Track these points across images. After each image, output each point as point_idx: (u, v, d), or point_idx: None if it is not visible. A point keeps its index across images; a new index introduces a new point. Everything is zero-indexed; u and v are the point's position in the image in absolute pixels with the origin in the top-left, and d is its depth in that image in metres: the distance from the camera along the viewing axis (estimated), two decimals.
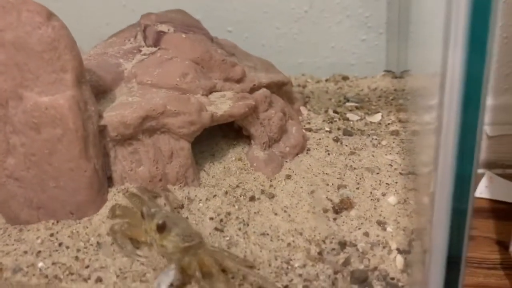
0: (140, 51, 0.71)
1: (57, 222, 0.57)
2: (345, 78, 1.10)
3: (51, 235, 0.55)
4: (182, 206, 0.59)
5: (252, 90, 0.74)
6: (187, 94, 0.65)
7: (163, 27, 0.73)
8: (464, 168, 0.40)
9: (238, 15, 1.20)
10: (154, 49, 0.71)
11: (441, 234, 0.41)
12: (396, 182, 0.66)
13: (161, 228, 0.48)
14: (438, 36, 0.40)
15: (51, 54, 0.53)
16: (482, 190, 1.01)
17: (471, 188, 0.41)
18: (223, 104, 0.66)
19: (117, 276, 0.49)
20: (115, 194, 0.59)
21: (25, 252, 0.53)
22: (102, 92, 0.63)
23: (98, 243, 0.53)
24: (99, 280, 0.49)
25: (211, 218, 0.57)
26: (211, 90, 0.68)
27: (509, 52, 1.03)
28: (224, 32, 1.22)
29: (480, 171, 1.06)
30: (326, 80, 1.10)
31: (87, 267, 0.51)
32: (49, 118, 0.53)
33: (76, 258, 0.52)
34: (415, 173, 0.67)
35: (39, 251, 0.53)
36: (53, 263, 0.51)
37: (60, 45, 0.53)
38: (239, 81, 0.73)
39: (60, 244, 0.54)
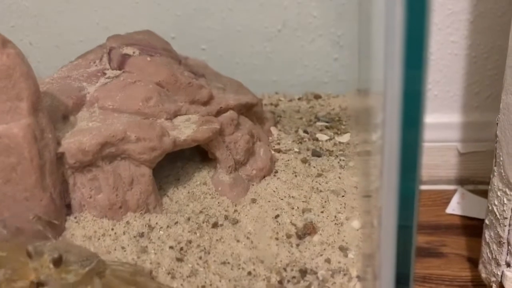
0: (105, 74, 0.71)
1: None
2: (317, 96, 1.11)
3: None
4: (142, 235, 0.58)
5: (219, 112, 0.74)
6: (150, 118, 0.64)
7: (129, 50, 0.73)
8: (407, 186, 0.41)
9: (212, 34, 1.20)
10: (118, 72, 0.70)
11: (388, 253, 0.41)
12: (361, 206, 0.66)
13: (58, 262, 0.44)
14: (380, 54, 0.41)
15: (6, 82, 0.52)
16: (454, 206, 1.02)
17: (415, 205, 0.42)
18: (187, 129, 0.65)
19: None
20: (73, 222, 0.58)
21: None
22: (63, 118, 0.62)
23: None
24: None
25: (171, 247, 0.56)
26: (176, 114, 0.68)
27: (478, 70, 1.05)
28: (198, 50, 1.22)
29: (452, 187, 1.07)
30: (299, 99, 1.11)
31: None
32: (3, 147, 0.52)
33: None
34: (370, 195, 0.67)
35: None
36: None
37: (15, 73, 0.52)
38: (205, 103, 0.73)
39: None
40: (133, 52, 0.73)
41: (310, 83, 1.21)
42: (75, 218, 0.58)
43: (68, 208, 0.59)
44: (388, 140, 0.39)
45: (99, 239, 0.56)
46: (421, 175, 0.42)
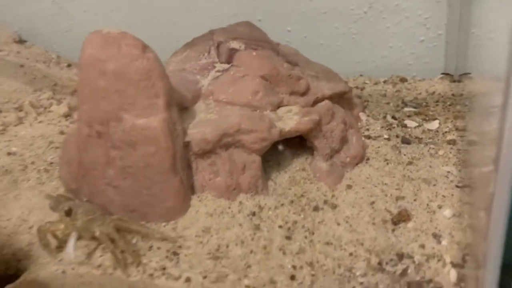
0: (214, 67, 0.78)
1: (147, 223, 0.66)
2: (403, 80, 1.13)
3: (143, 237, 0.64)
4: (253, 214, 0.66)
5: (315, 102, 0.80)
6: (258, 110, 0.72)
7: (235, 44, 0.80)
8: None
9: (297, 16, 1.25)
10: (227, 65, 0.78)
11: (497, 240, 0.45)
12: (452, 195, 0.70)
13: (69, 212, 0.62)
14: (504, 37, 0.42)
15: (146, 82, 0.61)
16: None
17: None
18: (290, 120, 0.72)
19: (204, 277, 0.57)
20: (196, 201, 0.67)
21: (122, 251, 0.63)
22: (184, 109, 0.71)
23: (180, 246, 0.62)
24: (188, 280, 0.57)
25: (280, 226, 0.65)
26: (278, 105, 0.75)
27: None
28: (284, 32, 1.27)
29: None
30: (384, 82, 1.13)
31: (176, 267, 0.59)
32: (144, 137, 0.62)
33: (166, 257, 0.61)
34: (471, 186, 0.70)
35: (133, 250, 0.62)
36: (145, 263, 0.60)
37: (153, 75, 0.61)
38: (303, 94, 0.79)
39: (150, 247, 0.62)
40: (239, 46, 0.80)
41: (394, 64, 1.22)
42: (198, 197, 0.68)
43: (191, 188, 0.68)
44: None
45: (219, 216, 0.66)
46: None
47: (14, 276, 0.73)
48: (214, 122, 0.67)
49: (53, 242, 0.64)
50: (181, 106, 0.71)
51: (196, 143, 0.66)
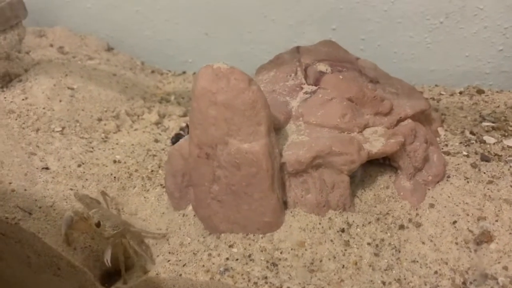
0: (302, 88, 0.85)
1: (247, 235, 0.74)
2: (480, 91, 1.13)
3: (245, 248, 0.72)
4: (343, 230, 0.73)
5: (398, 121, 0.84)
6: (345, 132, 0.77)
7: (321, 67, 0.86)
8: None
9: (372, 25, 1.28)
10: (314, 88, 0.84)
11: None
12: None
13: (98, 225, 0.75)
14: None
15: (251, 112, 0.68)
16: None
17: None
18: (376, 142, 0.77)
19: None
20: (289, 216, 0.75)
21: (227, 259, 0.71)
22: (276, 130, 0.78)
23: (279, 259, 0.69)
24: None
25: (368, 243, 0.71)
26: (364, 127, 0.80)
27: None
28: (358, 40, 1.31)
29: None
30: (460, 93, 1.14)
31: (276, 277, 0.67)
32: (247, 160, 0.69)
33: (267, 267, 0.69)
34: None
35: (237, 259, 0.71)
36: (248, 271, 0.69)
37: (257, 105, 0.68)
38: (387, 114, 0.83)
39: (250, 256, 0.71)
40: (326, 69, 0.85)
41: (470, 73, 1.23)
42: (291, 212, 0.75)
43: (284, 204, 0.76)
44: None
45: (311, 231, 0.72)
46: None
47: (119, 271, 0.84)
48: (307, 144, 0.74)
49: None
50: (274, 127, 0.78)
51: (290, 164, 0.73)
